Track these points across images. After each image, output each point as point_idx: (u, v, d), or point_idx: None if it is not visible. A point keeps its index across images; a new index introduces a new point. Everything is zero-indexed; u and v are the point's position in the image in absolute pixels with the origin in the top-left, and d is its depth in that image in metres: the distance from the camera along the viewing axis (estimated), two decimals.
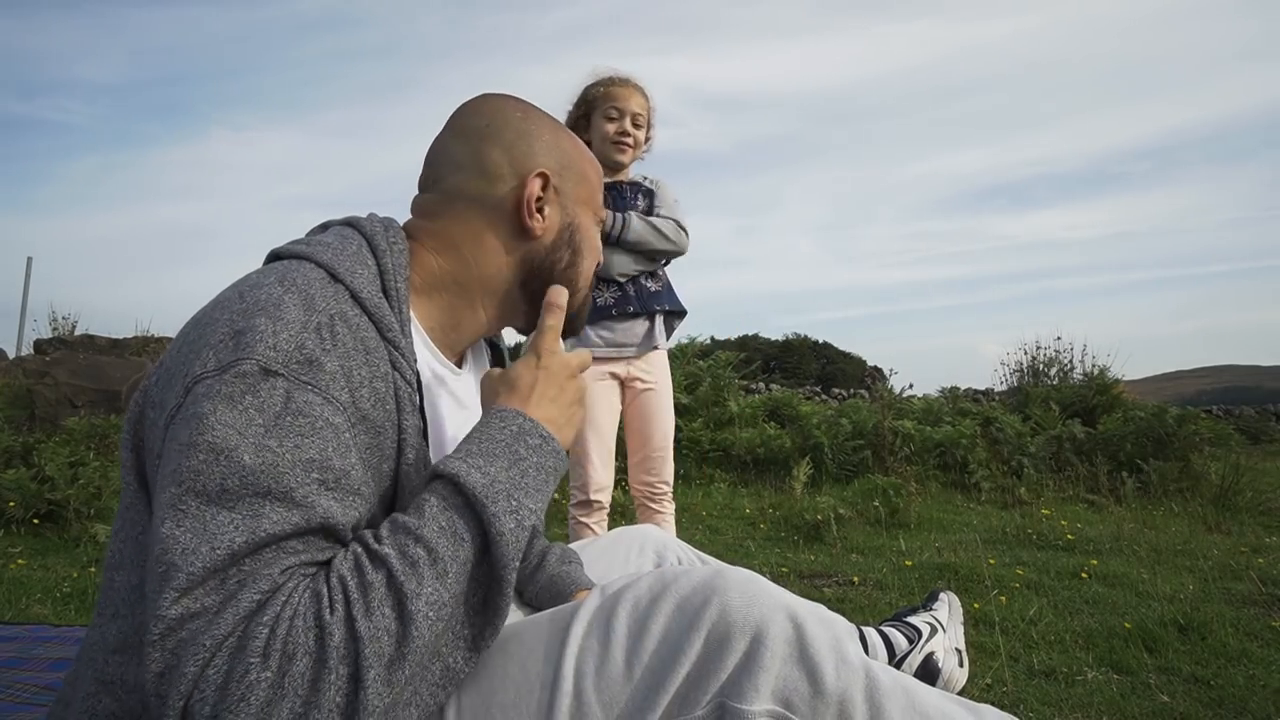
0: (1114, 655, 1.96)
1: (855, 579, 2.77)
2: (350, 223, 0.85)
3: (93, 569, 2.77)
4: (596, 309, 2.16)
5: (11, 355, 8.04)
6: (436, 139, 0.93)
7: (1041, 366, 7.92)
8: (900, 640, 1.24)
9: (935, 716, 0.69)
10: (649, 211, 2.25)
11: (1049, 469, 5.20)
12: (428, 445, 0.81)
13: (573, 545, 1.15)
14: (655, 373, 2.25)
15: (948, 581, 2.70)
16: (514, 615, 0.98)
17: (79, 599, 2.38)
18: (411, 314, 0.83)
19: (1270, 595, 2.53)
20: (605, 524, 2.18)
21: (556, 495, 3.57)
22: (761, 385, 8.68)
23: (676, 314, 2.30)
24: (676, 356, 6.64)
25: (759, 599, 0.70)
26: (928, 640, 1.26)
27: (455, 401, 0.90)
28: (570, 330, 0.93)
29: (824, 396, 9.20)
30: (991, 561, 3.00)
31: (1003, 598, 2.45)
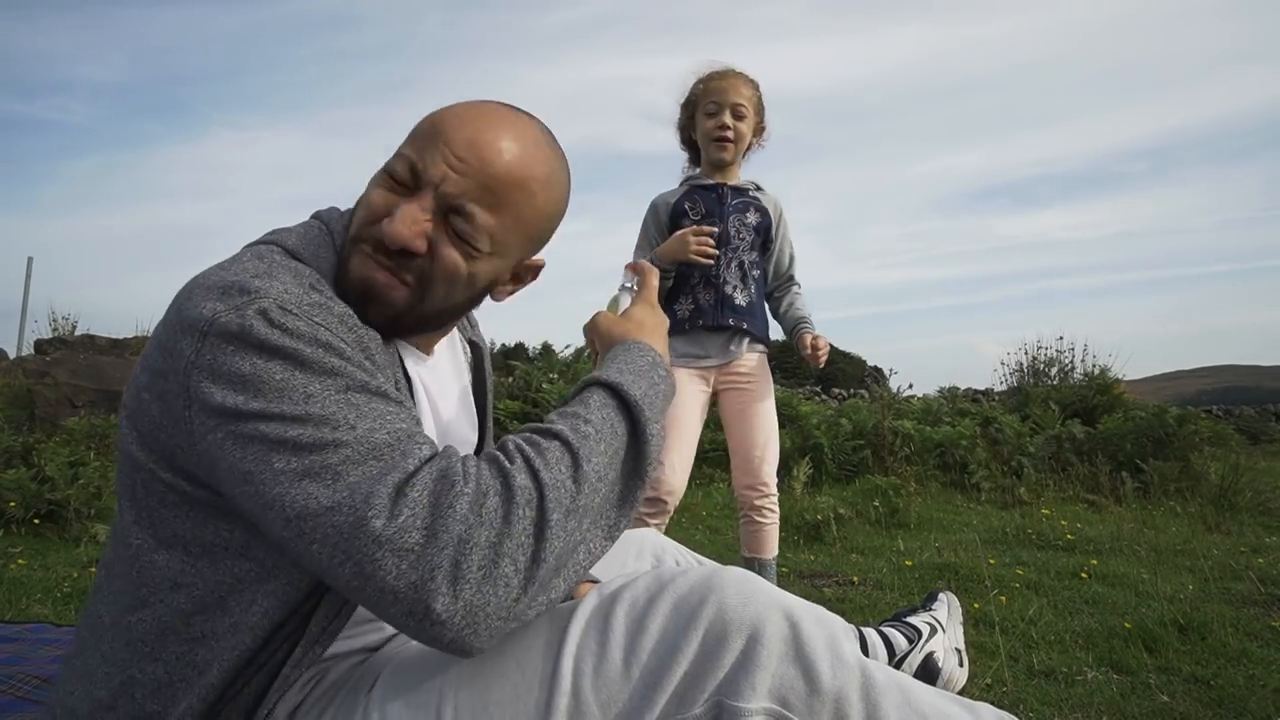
0: (1114, 655, 1.96)
1: (855, 579, 2.77)
2: (315, 214, 0.88)
3: (93, 569, 2.77)
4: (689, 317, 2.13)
5: (12, 355, 8.04)
6: None
7: (1042, 366, 7.92)
8: (900, 640, 1.24)
9: (931, 714, 0.69)
10: (759, 229, 2.16)
11: (1049, 469, 5.19)
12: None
13: None
14: (752, 373, 2.18)
15: (947, 581, 2.70)
16: None
17: (79, 599, 2.38)
18: None
19: (1270, 595, 2.53)
20: (665, 526, 2.08)
21: None
22: None
23: (760, 340, 2.22)
24: None
25: (755, 598, 0.71)
26: (927, 640, 1.26)
27: (423, 388, 0.92)
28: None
29: (824, 396, 9.19)
30: (991, 561, 3.00)
31: (1002, 598, 2.45)
